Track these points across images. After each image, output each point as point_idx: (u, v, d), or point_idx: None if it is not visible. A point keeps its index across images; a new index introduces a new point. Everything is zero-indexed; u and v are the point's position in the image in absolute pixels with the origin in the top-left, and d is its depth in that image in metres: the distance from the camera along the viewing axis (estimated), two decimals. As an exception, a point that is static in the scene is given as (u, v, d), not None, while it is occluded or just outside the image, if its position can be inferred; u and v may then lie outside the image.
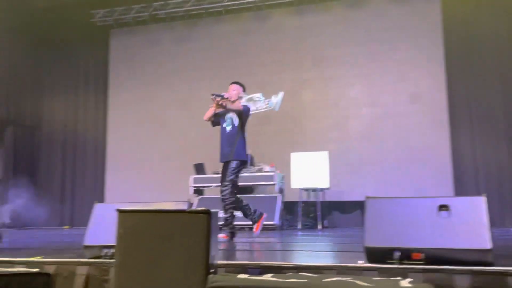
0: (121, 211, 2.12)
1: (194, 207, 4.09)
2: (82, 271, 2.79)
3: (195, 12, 9.25)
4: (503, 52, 7.54)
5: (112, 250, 2.82)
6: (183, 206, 2.83)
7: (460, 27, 7.81)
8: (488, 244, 2.25)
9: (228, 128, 5.07)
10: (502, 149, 7.44)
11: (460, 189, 7.45)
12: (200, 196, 7.45)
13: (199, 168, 7.59)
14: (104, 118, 9.72)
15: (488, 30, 7.58)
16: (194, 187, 7.50)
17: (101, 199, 9.02)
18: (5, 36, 8.92)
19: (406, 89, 8.01)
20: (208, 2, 9.05)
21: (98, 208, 3.20)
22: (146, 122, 9.29)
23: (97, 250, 2.91)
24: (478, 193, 6.99)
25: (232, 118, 5.11)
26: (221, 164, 7.53)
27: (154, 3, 9.20)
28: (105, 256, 2.85)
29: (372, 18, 8.33)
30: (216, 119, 5.16)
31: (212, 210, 1.96)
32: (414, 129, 7.84)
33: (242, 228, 6.85)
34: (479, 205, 2.39)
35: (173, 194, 8.12)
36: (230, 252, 3.76)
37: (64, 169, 9.85)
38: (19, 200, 8.14)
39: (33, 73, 9.91)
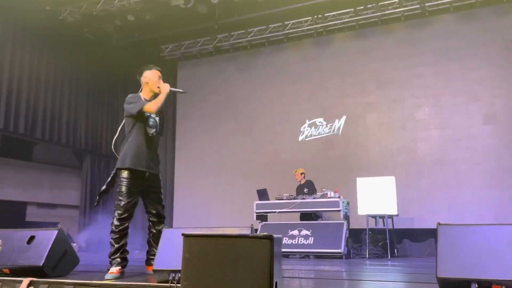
0: (186, 236, 2.18)
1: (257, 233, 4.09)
2: (150, 294, 2.87)
3: (258, 41, 9.51)
4: None
5: (179, 275, 2.90)
6: (247, 231, 2.86)
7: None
8: None
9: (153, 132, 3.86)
10: None
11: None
12: (263, 222, 7.45)
13: (262, 194, 7.62)
14: (173, 146, 10.16)
15: None
16: (257, 213, 7.53)
17: (169, 225, 9.33)
18: (84, 74, 9.71)
19: (479, 110, 7.58)
20: (270, 32, 9.27)
21: (166, 233, 3.31)
22: (211, 150, 9.57)
23: (165, 275, 3.00)
24: None
25: (156, 120, 3.91)
26: (284, 189, 7.55)
27: (219, 35, 9.60)
28: (172, 281, 2.92)
29: (438, 37, 8.05)
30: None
31: (275, 235, 1.95)
32: (489, 152, 7.35)
33: (306, 256, 6.74)
34: None
35: (238, 220, 8.21)
36: (295, 280, 3.69)
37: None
38: (95, 226, 8.64)
39: (110, 105, 10.65)
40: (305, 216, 7.45)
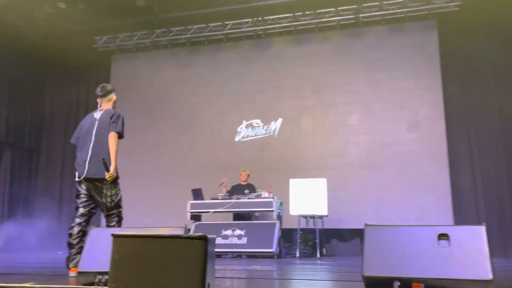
0: (116, 236, 2.09)
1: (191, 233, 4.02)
2: (74, 298, 2.72)
3: (197, 39, 9.40)
4: (501, 81, 7.64)
5: (106, 277, 2.78)
6: (180, 232, 2.80)
7: (457, 57, 7.95)
8: (489, 275, 2.21)
9: None
10: (502, 177, 7.43)
11: (460, 217, 7.40)
12: (197, 222, 7.37)
13: (197, 194, 7.53)
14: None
15: (486, 59, 7.71)
16: (191, 212, 7.43)
17: (97, 224, 8.91)
18: (7, 61, 9.02)
19: (405, 117, 8.07)
20: (210, 30, 9.21)
21: (93, 233, 3.15)
22: (146, 148, 9.29)
23: (91, 277, 2.85)
24: (478, 222, 6.96)
25: None
26: (219, 189, 7.54)
27: (157, 30, 9.36)
28: (98, 283, 2.79)
29: (371, 48, 8.47)
30: None
31: (209, 236, 1.93)
32: (413, 157, 7.85)
33: (238, 255, 6.77)
34: (479, 234, 2.36)
35: (171, 220, 8.04)
36: (227, 280, 3.68)
37: (61, 194, 9.79)
38: (14, 224, 8.04)
39: (34, 96, 9.99)
40: (238, 217, 7.48)
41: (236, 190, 7.55)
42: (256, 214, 7.56)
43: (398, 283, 2.37)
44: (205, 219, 7.50)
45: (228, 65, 9.22)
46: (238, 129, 8.91)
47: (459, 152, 7.74)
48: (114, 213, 3.96)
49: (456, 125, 7.83)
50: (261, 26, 8.95)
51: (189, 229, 6.32)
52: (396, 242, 2.52)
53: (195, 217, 7.47)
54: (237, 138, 8.90)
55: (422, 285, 2.34)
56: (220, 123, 8.99)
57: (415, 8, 8.11)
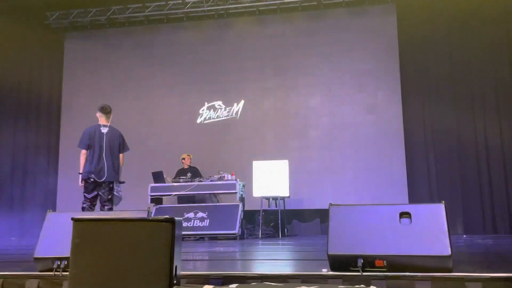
0: (77, 220, 2.00)
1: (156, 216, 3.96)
2: (32, 285, 2.61)
3: (156, 17, 9.10)
4: (456, 65, 7.91)
5: (65, 262, 2.67)
6: (143, 215, 2.73)
7: (414, 41, 8.12)
8: (448, 251, 2.30)
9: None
10: (454, 160, 7.78)
11: (414, 198, 7.70)
12: (158, 205, 7.27)
13: (158, 177, 7.40)
14: (58, 120, 9.31)
15: (442, 44, 7.93)
16: (152, 196, 7.30)
17: (52, 208, 8.59)
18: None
19: (364, 100, 8.23)
20: (169, 8, 8.93)
21: (50, 217, 3.01)
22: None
23: (49, 263, 2.74)
24: (430, 201, 7.28)
25: None
26: (179, 171, 7.49)
27: (113, 7, 8.97)
28: (57, 269, 2.68)
29: (332, 30, 8.52)
30: None
31: (176, 218, 1.88)
32: (371, 139, 8.05)
33: (201, 238, 6.75)
34: (438, 212, 2.45)
35: (130, 204, 7.85)
36: (189, 262, 3.66)
37: (13, 176, 9.32)
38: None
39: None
40: (195, 200, 7.45)
41: (180, 174, 7.49)
42: (219, 197, 7.55)
43: (361, 261, 2.43)
44: (166, 203, 7.40)
45: (188, 46, 9.00)
46: (200, 111, 8.79)
47: (415, 135, 8.00)
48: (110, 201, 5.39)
49: (413, 108, 8.07)
50: (222, 5, 8.78)
51: (151, 213, 6.21)
52: (359, 221, 2.58)
53: (156, 201, 7.36)
54: (198, 120, 8.78)
55: (384, 262, 2.41)
56: (180, 105, 8.82)
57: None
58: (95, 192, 5.29)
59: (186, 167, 7.69)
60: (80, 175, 5.33)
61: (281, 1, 8.57)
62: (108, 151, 5.31)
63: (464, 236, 7.12)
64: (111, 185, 5.35)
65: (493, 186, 7.53)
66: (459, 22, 7.92)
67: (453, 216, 7.49)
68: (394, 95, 8.10)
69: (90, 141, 5.33)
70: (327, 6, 8.56)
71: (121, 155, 5.44)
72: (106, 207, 5.33)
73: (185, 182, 7.21)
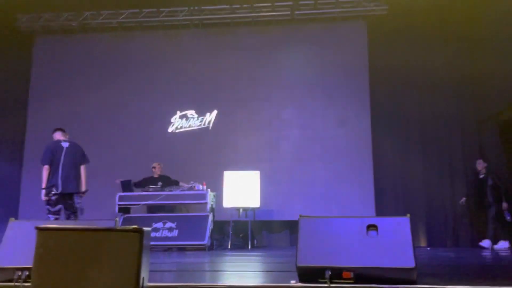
0: (41, 229, 1.94)
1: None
2: (-10, 296, 2.51)
3: (130, 25, 9.02)
4: (423, 81, 8.18)
5: (27, 273, 2.58)
6: (110, 225, 2.68)
7: (383, 57, 8.32)
8: (412, 263, 2.37)
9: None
10: (418, 172, 8.00)
11: (381, 210, 7.85)
12: (126, 215, 7.11)
13: (126, 186, 7.26)
14: (24, 127, 9.01)
15: (411, 61, 8.17)
16: (120, 205, 7.15)
17: (14, 216, 8.26)
18: None
19: (335, 113, 8.37)
20: (144, 16, 8.87)
21: (12, 225, 2.92)
22: (71, 136, 8.71)
23: (9, 273, 2.64)
24: (397, 213, 7.44)
25: None
26: (148, 180, 7.44)
27: (86, 12, 8.84)
28: (18, 280, 2.59)
29: (305, 44, 8.66)
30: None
31: (145, 228, 1.86)
32: (340, 152, 8.18)
33: (169, 248, 6.65)
34: (404, 225, 2.52)
35: (96, 213, 7.68)
36: (157, 273, 3.60)
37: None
38: None
39: None
40: (171, 209, 7.35)
41: (150, 183, 7.38)
42: (189, 207, 7.47)
43: (329, 272, 2.46)
44: (135, 213, 7.26)
45: (162, 54, 8.93)
46: (172, 120, 8.71)
47: (383, 149, 8.18)
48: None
49: (381, 123, 8.26)
50: (197, 15, 8.80)
51: (118, 223, 6.07)
52: (328, 233, 2.62)
53: (124, 210, 7.20)
54: (170, 129, 8.70)
55: (352, 273, 2.45)
56: (152, 113, 8.72)
57: (346, 10, 8.45)
58: (60, 206, 5.47)
59: (156, 176, 7.58)
60: (44, 190, 5.48)
61: (256, 14, 8.67)
62: (71, 164, 5.58)
63: (428, 248, 7.31)
64: (74, 197, 5.58)
65: (456, 201, 7.77)
66: (429, 41, 8.20)
67: (417, 229, 7.69)
68: (364, 110, 8.28)
69: (53, 156, 5.54)
70: (300, 21, 8.71)
71: (82, 167, 5.71)
72: (71, 219, 5.48)
73: (155, 191, 7.11)
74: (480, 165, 7.44)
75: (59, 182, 5.44)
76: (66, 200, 5.51)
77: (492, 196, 7.18)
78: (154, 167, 7.62)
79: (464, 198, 7.46)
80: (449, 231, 7.80)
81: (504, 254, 6.06)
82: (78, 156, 5.72)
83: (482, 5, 7.50)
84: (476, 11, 7.65)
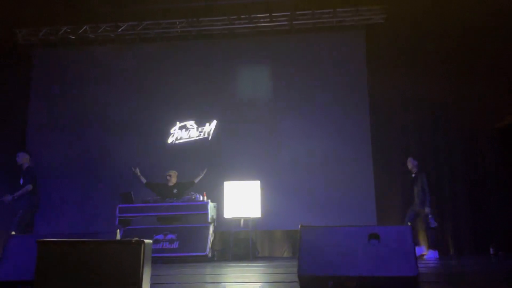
0: (42, 242, 1.94)
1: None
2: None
3: (128, 37, 9.07)
4: (421, 90, 8.19)
5: (28, 287, 2.57)
6: (111, 237, 2.67)
7: (382, 66, 8.35)
8: (414, 271, 2.35)
9: None
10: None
11: (382, 218, 7.82)
12: (126, 227, 7.08)
13: (126, 197, 7.25)
14: (23, 138, 8.99)
15: (411, 70, 8.18)
16: (120, 217, 7.12)
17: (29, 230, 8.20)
18: None
19: (334, 124, 8.35)
20: (143, 28, 8.92)
21: (13, 240, 2.91)
22: (68, 149, 8.72)
23: (10, 287, 2.62)
24: (397, 223, 7.41)
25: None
26: (150, 193, 7.43)
27: (85, 26, 8.90)
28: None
29: (304, 53, 8.69)
30: None
31: (146, 240, 1.85)
32: (341, 162, 8.15)
33: (170, 260, 6.60)
34: (406, 234, 2.51)
35: (96, 226, 7.68)
36: (158, 286, 3.57)
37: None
38: None
39: None
40: (172, 219, 7.32)
41: (163, 190, 7.35)
42: (189, 217, 7.44)
43: (332, 283, 2.45)
44: (135, 225, 7.23)
45: (161, 66, 8.97)
46: (171, 131, 8.72)
47: (384, 159, 8.16)
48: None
49: (380, 131, 8.26)
50: (196, 27, 8.86)
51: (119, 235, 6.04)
52: (330, 242, 2.61)
53: (124, 222, 7.17)
54: (170, 140, 8.70)
55: (354, 283, 2.44)
56: (151, 124, 8.72)
57: (343, 19, 8.51)
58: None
59: (171, 184, 7.48)
60: (26, 208, 6.41)
61: (254, 25, 8.73)
62: None
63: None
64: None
65: (458, 208, 7.75)
66: (427, 49, 8.24)
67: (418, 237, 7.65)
68: (363, 118, 8.29)
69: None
70: (298, 31, 8.77)
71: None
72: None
73: (154, 202, 7.10)
74: (410, 163, 7.06)
75: (37, 202, 6.63)
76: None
77: (418, 199, 6.75)
78: (169, 175, 7.50)
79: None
80: (451, 238, 7.74)
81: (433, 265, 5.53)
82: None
83: (482, 12, 7.50)
84: (476, 18, 7.65)
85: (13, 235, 2.93)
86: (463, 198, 7.85)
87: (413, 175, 7.06)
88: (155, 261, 6.39)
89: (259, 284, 3.84)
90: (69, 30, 9.01)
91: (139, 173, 7.40)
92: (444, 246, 7.67)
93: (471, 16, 7.54)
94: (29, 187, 6.44)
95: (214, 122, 8.67)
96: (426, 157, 8.01)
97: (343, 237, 2.58)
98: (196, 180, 7.35)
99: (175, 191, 7.26)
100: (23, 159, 6.71)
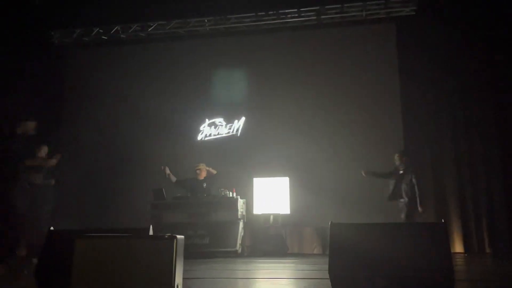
0: (79, 237, 2.01)
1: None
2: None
3: (157, 36, 9.23)
4: (456, 80, 7.95)
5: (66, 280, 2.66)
6: (145, 233, 2.73)
7: (414, 59, 8.15)
8: (450, 269, 2.30)
9: None
10: (451, 177, 7.75)
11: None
12: (158, 223, 7.22)
13: (158, 194, 7.39)
14: (58, 138, 9.29)
15: (442, 61, 7.96)
16: (152, 213, 7.28)
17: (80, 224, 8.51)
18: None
19: (365, 120, 8.20)
20: (171, 27, 9.05)
21: (49, 235, 3.02)
22: (102, 147, 8.96)
23: (49, 281, 2.72)
24: (431, 219, 7.22)
25: None
26: (180, 189, 7.57)
27: (116, 26, 9.12)
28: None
29: (333, 48, 8.58)
30: None
31: (178, 236, 1.89)
32: (372, 158, 7.99)
33: (201, 256, 6.69)
34: (439, 230, 2.45)
35: (131, 221, 7.86)
36: (190, 281, 3.63)
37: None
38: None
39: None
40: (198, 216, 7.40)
41: (194, 183, 7.43)
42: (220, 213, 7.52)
43: (363, 280, 2.42)
44: (166, 220, 7.36)
45: (189, 63, 9.08)
46: (201, 128, 8.81)
47: (415, 154, 7.95)
48: None
49: (413, 127, 8.07)
50: (223, 24, 8.91)
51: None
52: (361, 240, 2.57)
53: (156, 218, 7.31)
54: (199, 137, 8.80)
55: (386, 281, 2.40)
56: (181, 121, 8.84)
57: (373, 12, 8.35)
58: None
59: (201, 178, 7.56)
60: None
61: (281, 20, 8.70)
62: None
63: (465, 255, 7.07)
64: None
65: (495, 203, 7.48)
66: (458, 39, 7.98)
67: (451, 234, 7.44)
68: (395, 113, 8.12)
69: None
70: (327, 25, 8.67)
71: None
72: None
73: (185, 198, 7.21)
74: (397, 160, 6.92)
75: None
76: None
77: (406, 196, 6.60)
78: (199, 169, 7.51)
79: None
80: (486, 237, 7.47)
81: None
82: None
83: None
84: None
85: (52, 230, 3.04)
86: (499, 194, 7.57)
87: (401, 172, 6.91)
88: (186, 257, 6.52)
89: (291, 280, 3.84)
90: (101, 31, 9.25)
91: (168, 172, 7.47)
92: (481, 244, 7.43)
93: (508, 5, 7.25)
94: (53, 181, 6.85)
95: (243, 119, 8.70)
96: (459, 154, 7.76)
97: (375, 234, 2.55)
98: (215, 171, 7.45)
99: (204, 185, 7.33)
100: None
